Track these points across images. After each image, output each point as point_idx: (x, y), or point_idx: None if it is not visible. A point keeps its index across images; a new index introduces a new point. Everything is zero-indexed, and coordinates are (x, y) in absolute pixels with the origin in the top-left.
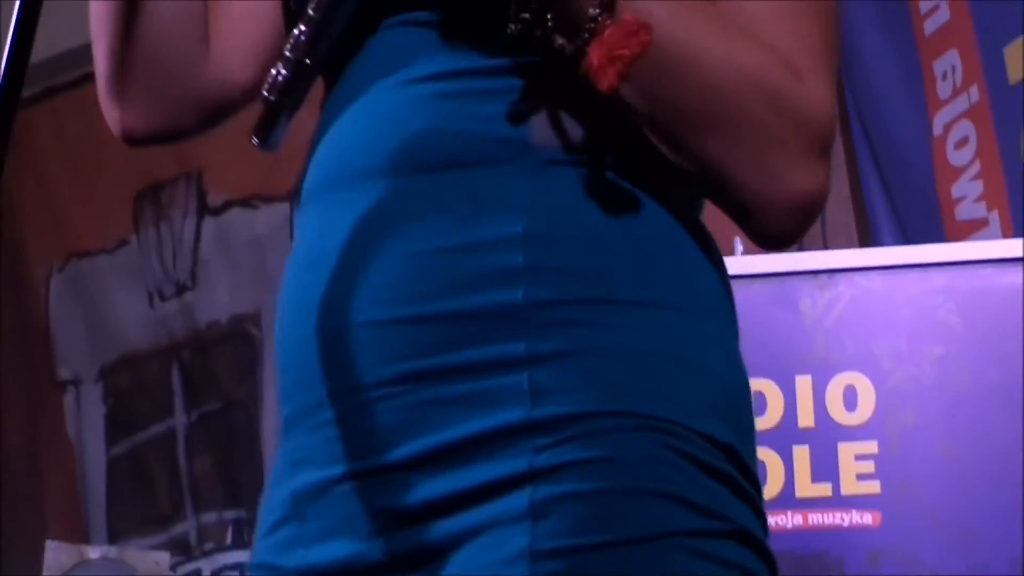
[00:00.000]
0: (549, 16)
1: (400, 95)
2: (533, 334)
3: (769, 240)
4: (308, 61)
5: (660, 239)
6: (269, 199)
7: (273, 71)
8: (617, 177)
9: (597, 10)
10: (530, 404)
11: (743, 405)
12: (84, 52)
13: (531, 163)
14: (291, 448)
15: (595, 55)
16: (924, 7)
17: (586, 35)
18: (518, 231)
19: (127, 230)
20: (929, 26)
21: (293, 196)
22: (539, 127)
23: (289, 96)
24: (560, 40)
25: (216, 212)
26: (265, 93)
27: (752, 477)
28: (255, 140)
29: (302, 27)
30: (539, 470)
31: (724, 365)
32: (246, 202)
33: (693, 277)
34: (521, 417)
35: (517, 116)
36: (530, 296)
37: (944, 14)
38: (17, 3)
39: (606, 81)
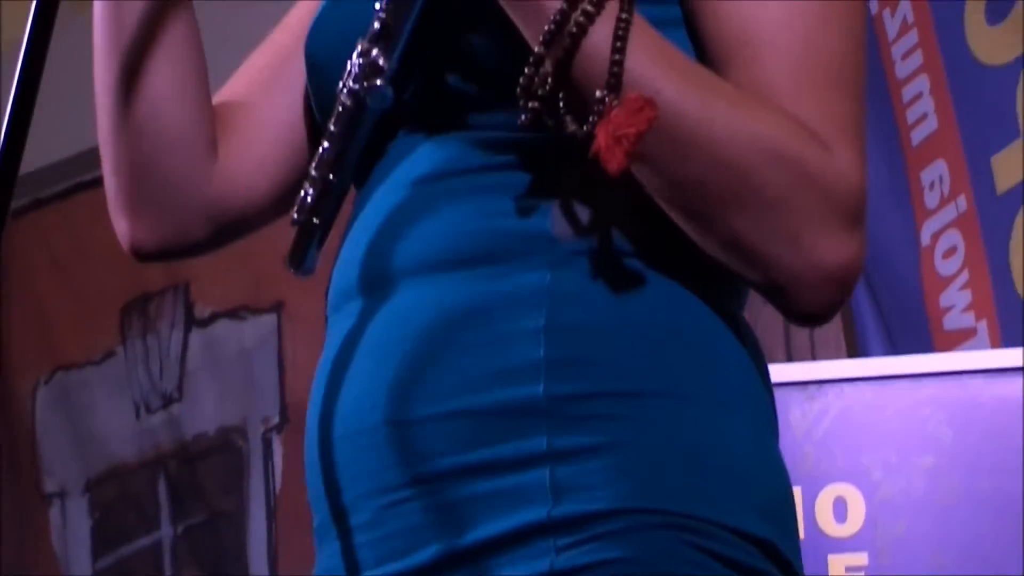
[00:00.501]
0: (561, 104)
1: (411, 195)
2: (555, 429)
3: (805, 317)
4: (332, 178)
5: (687, 330)
6: (256, 311)
7: (301, 193)
8: (643, 267)
9: (604, 92)
10: (552, 502)
11: (782, 500)
12: (70, 165)
13: (554, 256)
14: (322, 557)
15: (602, 136)
16: (911, 117)
17: (593, 117)
18: (540, 325)
19: (114, 342)
20: (916, 136)
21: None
22: (557, 219)
23: (319, 216)
24: (572, 126)
25: (203, 324)
26: (294, 216)
27: (794, 574)
28: (289, 267)
29: (326, 144)
30: (559, 572)
31: (757, 459)
32: (233, 314)
33: (724, 369)
34: (542, 516)
35: (535, 209)
36: (551, 390)
37: (931, 124)
38: (7, 117)
39: (614, 162)
